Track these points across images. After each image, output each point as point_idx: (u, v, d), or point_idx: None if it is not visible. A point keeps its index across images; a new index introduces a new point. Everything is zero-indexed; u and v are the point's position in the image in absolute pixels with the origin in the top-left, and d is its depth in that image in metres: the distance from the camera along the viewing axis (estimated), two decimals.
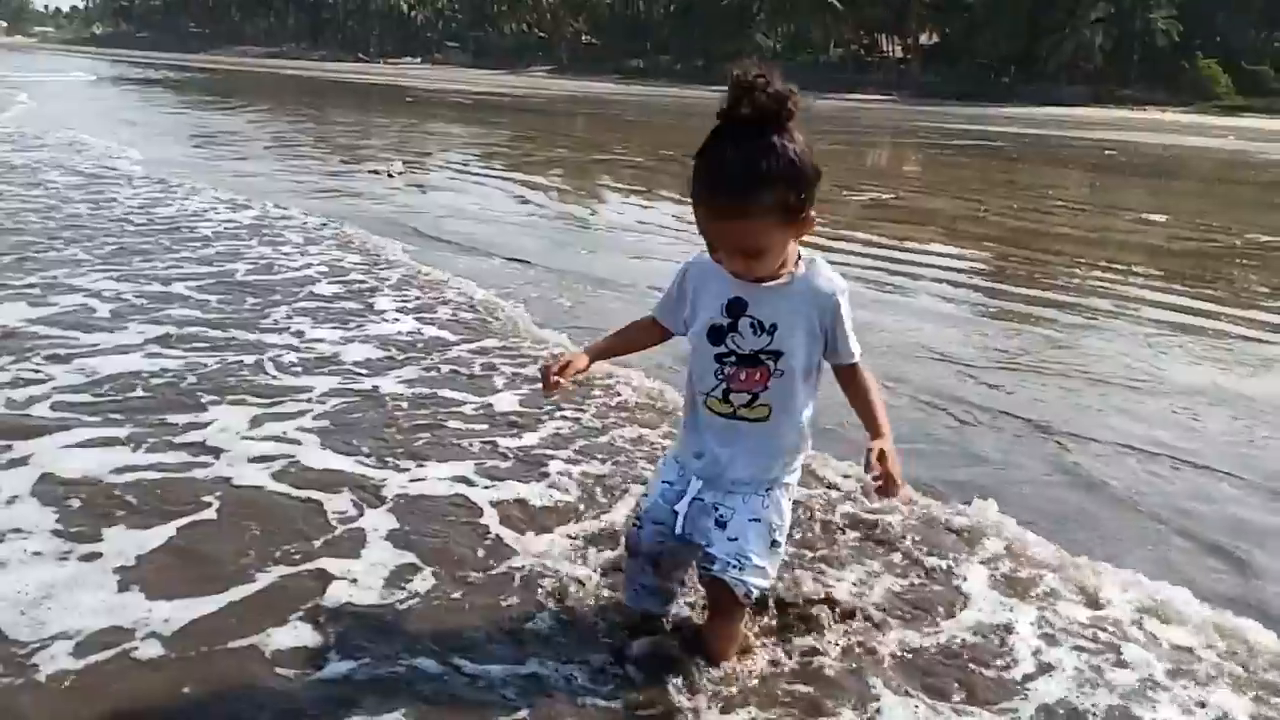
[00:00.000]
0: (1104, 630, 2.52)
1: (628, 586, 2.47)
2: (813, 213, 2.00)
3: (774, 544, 2.22)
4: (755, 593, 2.21)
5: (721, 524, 2.20)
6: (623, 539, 2.49)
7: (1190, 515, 3.34)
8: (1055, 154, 24.35)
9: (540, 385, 2.25)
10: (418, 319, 5.14)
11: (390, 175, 11.49)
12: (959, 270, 7.93)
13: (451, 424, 3.69)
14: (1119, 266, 8.40)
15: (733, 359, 2.13)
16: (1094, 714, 2.20)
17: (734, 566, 2.16)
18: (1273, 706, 2.27)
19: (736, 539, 2.18)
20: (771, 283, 2.09)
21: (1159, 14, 68.93)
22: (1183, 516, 3.32)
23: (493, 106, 33.60)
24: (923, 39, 75.82)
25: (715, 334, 2.14)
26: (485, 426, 3.68)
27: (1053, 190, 15.15)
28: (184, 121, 19.30)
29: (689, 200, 1.98)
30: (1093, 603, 2.64)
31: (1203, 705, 2.25)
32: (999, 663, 2.37)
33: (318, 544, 2.74)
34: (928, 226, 10.31)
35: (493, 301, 5.59)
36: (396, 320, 5.10)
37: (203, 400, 3.78)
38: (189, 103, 25.93)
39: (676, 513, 2.25)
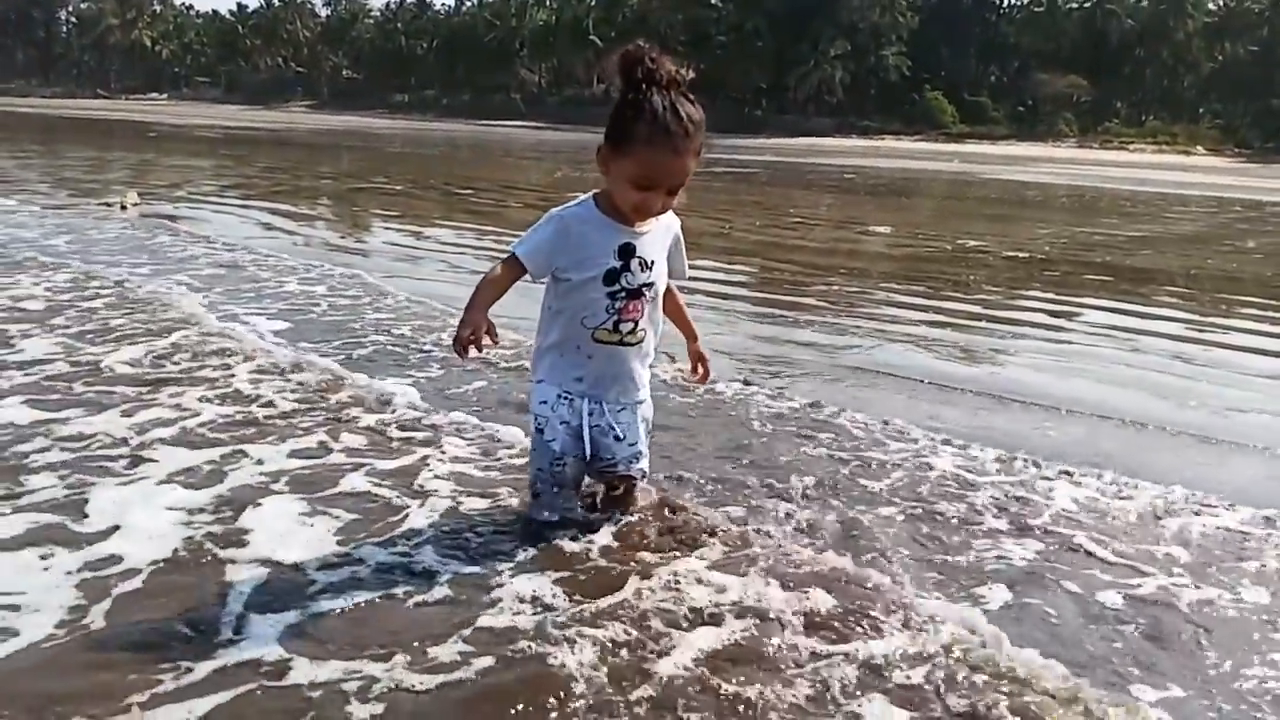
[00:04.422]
0: None
1: (551, 511, 2.79)
2: None
3: (649, 432, 2.85)
4: (648, 470, 2.86)
5: (619, 438, 2.72)
6: (547, 480, 2.76)
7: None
8: (801, 179, 26.05)
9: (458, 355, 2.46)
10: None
11: (124, 208, 10.83)
12: (703, 280, 8.37)
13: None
14: (844, 271, 9.16)
15: (623, 294, 2.57)
16: None
17: (634, 462, 2.78)
18: None
19: (634, 444, 2.76)
20: (645, 227, 2.56)
21: (890, 50, 75.24)
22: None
23: (248, 141, 32.35)
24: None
25: (610, 276, 2.54)
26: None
27: (794, 209, 16.25)
28: None
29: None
30: None
31: None
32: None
33: None
34: None
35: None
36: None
37: None
38: None
39: (583, 441, 2.68)
